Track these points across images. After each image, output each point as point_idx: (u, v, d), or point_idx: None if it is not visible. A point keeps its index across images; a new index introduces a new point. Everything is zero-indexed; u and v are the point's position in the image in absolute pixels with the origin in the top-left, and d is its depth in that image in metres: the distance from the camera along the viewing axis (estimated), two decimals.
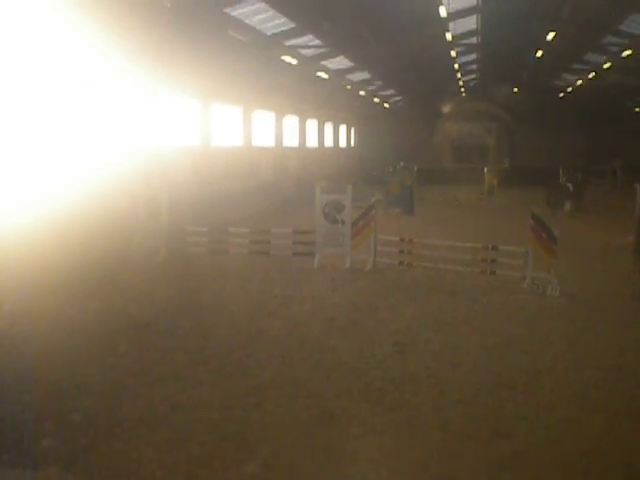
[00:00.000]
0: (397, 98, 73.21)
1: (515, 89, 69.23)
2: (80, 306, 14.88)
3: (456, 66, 52.61)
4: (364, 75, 55.27)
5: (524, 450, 8.60)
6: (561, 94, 69.26)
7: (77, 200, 20.27)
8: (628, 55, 43.31)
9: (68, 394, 10.16)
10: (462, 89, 68.10)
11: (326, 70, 46.55)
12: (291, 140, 48.72)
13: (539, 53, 46.74)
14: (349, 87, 55.86)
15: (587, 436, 9.06)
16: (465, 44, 49.53)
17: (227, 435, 8.93)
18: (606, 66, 50.14)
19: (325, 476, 8.07)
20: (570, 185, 35.37)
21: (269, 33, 35.29)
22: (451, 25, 37.80)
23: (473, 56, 56.77)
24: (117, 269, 18.51)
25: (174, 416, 9.50)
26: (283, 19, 33.92)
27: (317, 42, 39.36)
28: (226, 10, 29.91)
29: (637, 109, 71.78)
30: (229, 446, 8.64)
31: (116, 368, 11.27)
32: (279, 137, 45.49)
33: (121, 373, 11.06)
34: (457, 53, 47.41)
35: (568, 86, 65.90)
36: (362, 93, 60.02)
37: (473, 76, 66.76)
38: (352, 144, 71.41)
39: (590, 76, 56.41)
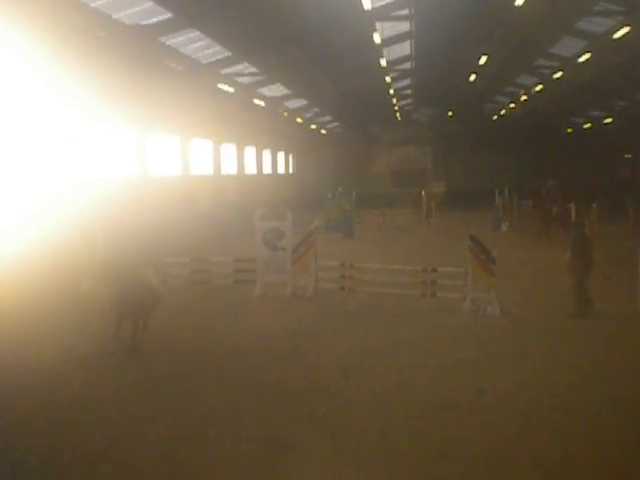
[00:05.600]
0: (334, 124, 73.77)
1: (450, 113, 70.26)
2: (23, 343, 14.62)
3: (391, 91, 53.21)
4: (301, 102, 55.65)
5: (471, 471, 8.64)
6: (495, 117, 70.50)
7: (14, 235, 19.98)
8: (559, 77, 44.32)
9: (13, 429, 9.96)
10: (398, 114, 68.86)
11: (263, 98, 46.76)
12: (229, 168, 48.65)
13: (472, 77, 47.54)
14: (286, 114, 56.15)
15: (532, 455, 9.14)
16: (399, 69, 50.14)
17: (170, 471, 8.80)
18: (538, 88, 51.23)
19: None
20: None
21: (205, 62, 35.33)
22: (385, 51, 38.26)
23: (407, 81, 57.46)
24: (61, 305, 18.19)
25: (115, 451, 9.33)
26: (218, 47, 34.00)
27: (253, 70, 39.55)
28: (161, 39, 29.86)
29: (569, 130, 73.34)
30: None
31: (57, 405, 11.05)
32: (217, 165, 45.40)
33: (61, 410, 10.84)
34: (392, 79, 47.99)
35: (502, 109, 67.11)
36: (299, 120, 60.34)
37: (408, 101, 67.54)
38: (291, 171, 71.62)
39: (522, 99, 57.56)
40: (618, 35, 31.57)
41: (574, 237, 17.77)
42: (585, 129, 72.20)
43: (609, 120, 66.96)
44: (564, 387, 11.69)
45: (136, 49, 28.11)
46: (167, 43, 31.05)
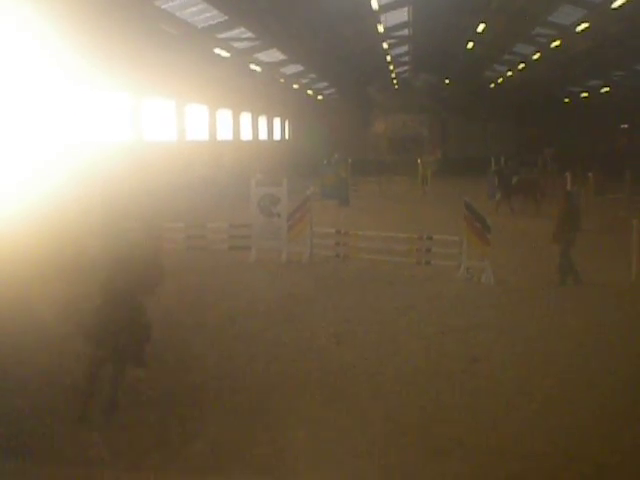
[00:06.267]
0: (331, 90, 73.38)
1: (447, 80, 69.90)
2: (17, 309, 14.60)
3: (388, 58, 52.91)
4: (297, 68, 55.30)
5: (464, 436, 8.70)
6: (492, 85, 70.19)
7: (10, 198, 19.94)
8: (557, 46, 44.06)
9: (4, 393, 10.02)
10: (395, 81, 68.51)
11: (259, 63, 46.49)
12: (225, 134, 48.49)
13: (470, 44, 47.27)
14: (282, 80, 55.87)
15: (524, 421, 9.21)
16: (397, 36, 49.81)
17: (165, 433, 8.86)
18: (535, 57, 50.95)
19: (268, 471, 8.04)
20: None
21: (200, 26, 35.05)
22: (383, 17, 37.99)
23: (405, 48, 57.09)
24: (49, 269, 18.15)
25: (115, 415, 9.37)
26: (214, 12, 33.71)
27: (249, 35, 39.23)
28: (157, 3, 29.63)
29: (566, 99, 73.10)
30: (166, 445, 8.57)
31: (50, 369, 11.06)
32: (213, 131, 45.23)
33: (57, 374, 10.86)
34: (389, 45, 47.69)
35: (499, 77, 66.79)
36: (295, 86, 60.05)
37: (405, 68, 67.17)
38: (287, 137, 71.38)
39: (520, 67, 57.26)
40: (617, 4, 31.33)
41: (561, 207, 17.75)
42: (582, 98, 71.95)
43: (606, 90, 66.72)
44: (557, 355, 11.76)
45: (132, 12, 27.90)
46: (163, 7, 30.80)
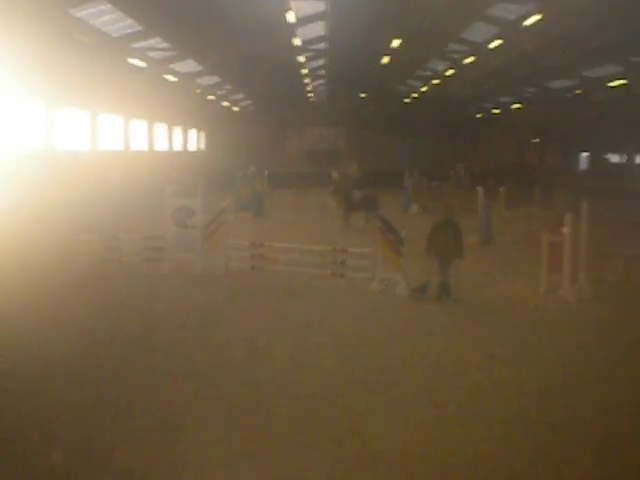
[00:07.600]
0: (247, 102, 73.44)
1: (363, 94, 70.61)
2: None
3: (305, 71, 53.20)
4: (213, 79, 55.25)
5: (378, 448, 8.74)
6: (407, 100, 71.20)
7: None
8: (470, 62, 45.01)
9: None
10: (311, 94, 68.92)
11: (175, 73, 46.23)
12: (140, 144, 48.04)
13: (385, 59, 47.87)
14: (198, 91, 55.66)
15: (437, 430, 9.30)
16: (313, 50, 50.16)
17: (73, 449, 8.68)
18: (449, 73, 51.95)
19: None
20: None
21: (115, 35, 34.69)
22: (299, 31, 38.19)
23: (321, 62, 57.53)
24: None
25: (25, 432, 9.16)
26: (129, 21, 33.42)
27: (165, 45, 39.03)
28: (70, 11, 29.20)
29: (478, 115, 74.65)
30: (75, 462, 8.41)
31: None
32: (127, 141, 44.75)
33: None
34: (306, 58, 47.97)
35: (414, 92, 67.79)
36: (211, 97, 59.91)
37: (322, 81, 67.67)
38: (202, 148, 71.09)
39: (434, 82, 58.29)
40: (529, 22, 32.14)
41: (434, 222, 17.85)
42: (495, 114, 73.55)
43: (518, 106, 68.32)
44: (469, 366, 11.92)
45: (44, 19, 27.41)
46: (77, 15, 30.36)
